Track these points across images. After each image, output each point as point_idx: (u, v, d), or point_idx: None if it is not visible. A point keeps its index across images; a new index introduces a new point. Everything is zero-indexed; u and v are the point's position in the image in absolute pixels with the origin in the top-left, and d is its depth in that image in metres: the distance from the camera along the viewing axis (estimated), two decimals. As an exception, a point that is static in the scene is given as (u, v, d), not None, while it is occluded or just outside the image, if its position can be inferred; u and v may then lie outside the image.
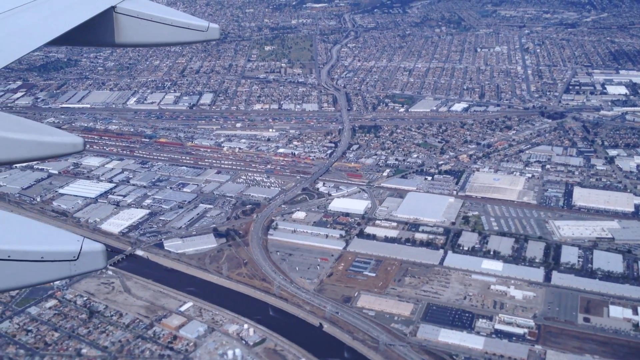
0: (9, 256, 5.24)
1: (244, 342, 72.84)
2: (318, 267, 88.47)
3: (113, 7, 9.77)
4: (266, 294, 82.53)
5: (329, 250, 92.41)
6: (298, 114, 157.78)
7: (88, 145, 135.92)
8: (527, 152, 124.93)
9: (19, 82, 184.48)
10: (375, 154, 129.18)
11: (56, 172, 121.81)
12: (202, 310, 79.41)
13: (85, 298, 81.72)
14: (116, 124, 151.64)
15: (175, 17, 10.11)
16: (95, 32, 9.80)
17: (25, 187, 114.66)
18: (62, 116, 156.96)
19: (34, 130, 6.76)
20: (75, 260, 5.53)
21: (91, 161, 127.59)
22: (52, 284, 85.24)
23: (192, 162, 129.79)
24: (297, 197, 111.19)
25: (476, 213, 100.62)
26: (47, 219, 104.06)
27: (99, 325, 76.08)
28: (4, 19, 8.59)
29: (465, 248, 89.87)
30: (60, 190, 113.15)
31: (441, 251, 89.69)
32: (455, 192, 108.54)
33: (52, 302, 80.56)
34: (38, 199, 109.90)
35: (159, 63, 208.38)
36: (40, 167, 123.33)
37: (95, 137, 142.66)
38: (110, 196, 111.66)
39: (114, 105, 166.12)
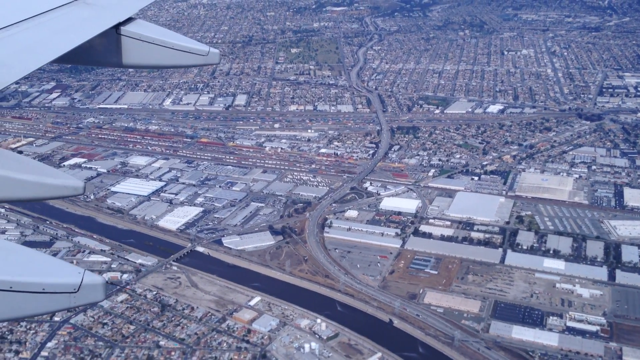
0: (10, 287, 5.22)
1: (317, 336, 74.00)
2: (378, 264, 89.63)
3: (116, 29, 9.87)
4: (331, 290, 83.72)
5: (386, 248, 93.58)
6: (334, 115, 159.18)
7: (132, 145, 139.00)
8: (570, 153, 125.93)
9: (53, 83, 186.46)
10: (418, 155, 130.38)
11: (105, 170, 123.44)
12: (271, 305, 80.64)
13: (154, 292, 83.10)
14: (156, 124, 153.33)
15: (177, 40, 10.10)
16: (97, 52, 9.86)
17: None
18: (101, 116, 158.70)
19: (37, 171, 6.76)
20: (75, 292, 5.44)
21: (137, 160, 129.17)
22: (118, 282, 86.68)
23: (235, 161, 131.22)
24: (347, 196, 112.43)
25: (529, 213, 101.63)
26: (104, 216, 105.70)
27: (172, 319, 77.42)
28: (9, 36, 8.57)
29: (524, 247, 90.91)
30: (113, 188, 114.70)
31: (500, 250, 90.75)
32: (504, 192, 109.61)
33: (123, 296, 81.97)
34: (92, 197, 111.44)
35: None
36: (89, 166, 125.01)
37: (138, 137, 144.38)
38: (162, 194, 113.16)
39: (150, 106, 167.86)
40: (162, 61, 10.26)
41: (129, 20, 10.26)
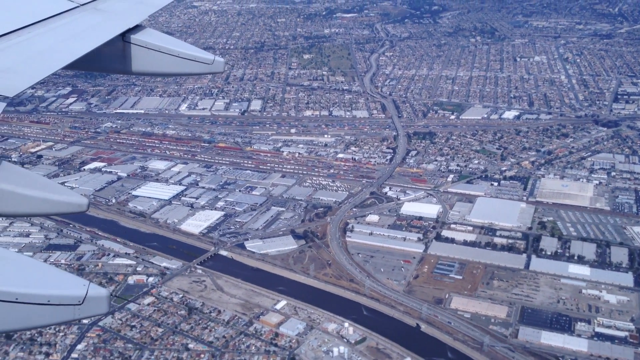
0: (16, 298, 5.22)
1: (345, 340, 74.13)
2: (402, 269, 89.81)
3: (122, 36, 9.87)
4: (356, 294, 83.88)
5: (409, 253, 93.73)
6: (349, 121, 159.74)
7: (150, 149, 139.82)
8: (589, 159, 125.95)
9: (69, 88, 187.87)
10: (435, 160, 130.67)
11: (125, 174, 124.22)
12: (297, 308, 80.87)
13: (180, 295, 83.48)
14: (173, 129, 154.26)
15: (182, 48, 10.12)
16: (103, 58, 9.88)
17: (98, 188, 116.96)
18: (119, 121, 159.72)
19: (42, 187, 6.75)
20: (80, 304, 5.45)
21: (157, 164, 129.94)
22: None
23: (253, 166, 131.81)
24: (366, 201, 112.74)
25: (551, 218, 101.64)
26: (127, 219, 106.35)
27: (200, 322, 77.73)
28: (20, 42, 8.59)
29: (548, 253, 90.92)
30: (134, 192, 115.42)
31: (524, 255, 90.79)
32: (524, 198, 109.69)
33: (149, 299, 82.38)
34: (113, 201, 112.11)
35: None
36: (109, 170, 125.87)
37: (156, 141, 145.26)
38: (183, 198, 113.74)
39: (166, 111, 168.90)
40: (168, 69, 10.25)
41: (135, 27, 10.27)
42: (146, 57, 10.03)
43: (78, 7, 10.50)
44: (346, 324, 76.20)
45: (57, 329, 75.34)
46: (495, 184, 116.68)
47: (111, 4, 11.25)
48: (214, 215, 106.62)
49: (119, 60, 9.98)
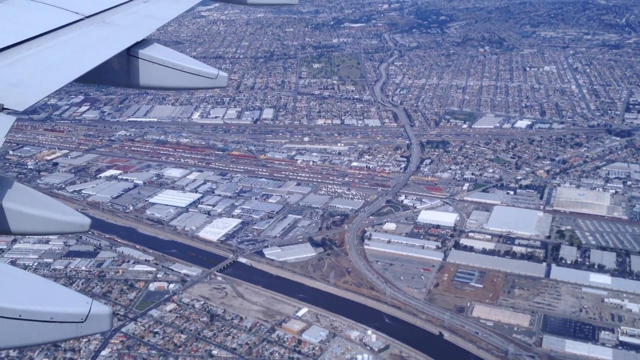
0: (20, 315, 5.22)
1: (368, 347, 74.08)
2: (422, 277, 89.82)
3: (127, 50, 9.88)
4: (377, 302, 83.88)
5: (428, 261, 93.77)
6: (362, 129, 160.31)
7: (165, 157, 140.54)
8: (604, 168, 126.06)
9: (82, 97, 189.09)
10: (450, 169, 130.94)
11: (141, 182, 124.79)
12: (319, 316, 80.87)
13: (202, 302, 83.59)
14: (186, 137, 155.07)
15: (187, 63, 10.11)
16: (107, 71, 9.87)
17: (115, 196, 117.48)
18: (132, 129, 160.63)
19: (47, 206, 6.85)
20: (82, 322, 5.43)
21: (172, 172, 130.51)
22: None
23: (267, 174, 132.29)
24: (383, 209, 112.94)
25: (569, 227, 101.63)
26: (145, 226, 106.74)
27: (222, 328, 77.78)
28: (29, 56, 8.64)
29: (568, 261, 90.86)
30: (151, 200, 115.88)
31: (544, 264, 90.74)
32: (541, 207, 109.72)
33: (171, 306, 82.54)
34: (131, 208, 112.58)
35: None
36: (125, 178, 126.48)
37: (170, 149, 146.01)
38: (199, 206, 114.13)
39: (179, 120, 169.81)
40: (172, 83, 10.24)
41: (140, 40, 10.28)
42: (151, 71, 10.04)
43: (84, 19, 10.55)
44: (369, 332, 76.17)
45: (80, 335, 75.44)
46: (511, 192, 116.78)
47: (119, 17, 11.25)
48: (231, 223, 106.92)
49: (123, 73, 10.00)
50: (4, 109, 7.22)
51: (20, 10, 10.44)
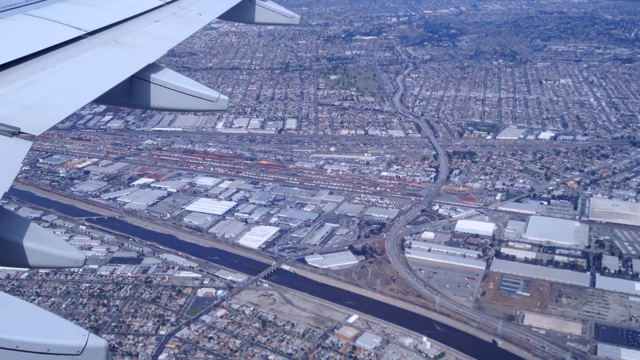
0: (17, 346, 5.13)
1: (423, 354, 74.36)
2: (467, 285, 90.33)
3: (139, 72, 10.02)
4: (426, 310, 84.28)
5: (471, 270, 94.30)
6: (386, 140, 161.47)
7: (194, 166, 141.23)
8: (634, 180, 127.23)
9: (104, 106, 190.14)
10: (480, 179, 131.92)
11: (174, 190, 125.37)
12: (369, 323, 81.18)
13: (251, 308, 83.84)
14: (213, 146, 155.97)
15: (188, 85, 10.26)
16: (117, 94, 9.80)
17: (151, 204, 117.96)
18: (158, 138, 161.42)
19: (44, 240, 6.75)
20: (78, 355, 5.37)
21: (204, 181, 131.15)
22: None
23: (298, 183, 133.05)
24: (418, 218, 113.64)
25: (607, 237, 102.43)
26: (184, 234, 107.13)
27: (275, 334, 78.03)
28: (44, 77, 8.60)
29: (612, 271, 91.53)
30: (187, 208, 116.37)
31: (587, 273, 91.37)
32: (576, 217, 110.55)
33: (221, 311, 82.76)
34: (168, 215, 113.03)
35: (232, 90, 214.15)
36: (158, 186, 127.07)
37: (199, 158, 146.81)
38: (236, 214, 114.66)
39: (203, 129, 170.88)
40: (174, 105, 10.40)
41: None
42: (160, 94, 10.14)
43: (86, 35, 10.49)
44: (424, 339, 76.48)
45: (135, 340, 75.73)
46: (545, 203, 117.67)
47: (131, 37, 11.23)
48: (269, 231, 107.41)
49: (125, 94, 10.03)
50: (20, 132, 7.08)
51: (19, 25, 10.26)
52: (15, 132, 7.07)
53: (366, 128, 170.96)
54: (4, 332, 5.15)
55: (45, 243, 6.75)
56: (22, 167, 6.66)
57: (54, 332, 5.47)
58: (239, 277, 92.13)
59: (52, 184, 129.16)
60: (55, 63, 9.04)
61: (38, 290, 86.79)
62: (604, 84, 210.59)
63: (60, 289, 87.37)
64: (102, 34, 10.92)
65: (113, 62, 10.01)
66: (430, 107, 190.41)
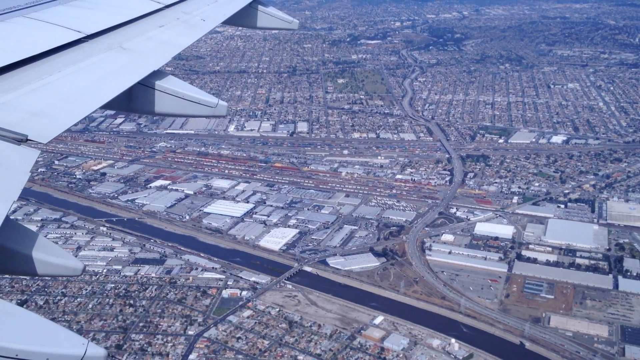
0: (16, 355, 5.09)
1: (452, 356, 74.57)
2: (491, 287, 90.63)
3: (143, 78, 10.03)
4: (451, 312, 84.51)
5: (493, 272, 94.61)
6: (398, 143, 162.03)
7: (209, 168, 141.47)
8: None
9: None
10: (495, 182, 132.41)
11: (191, 192, 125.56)
12: (396, 324, 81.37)
13: (277, 309, 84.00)
14: (226, 148, 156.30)
15: (190, 92, 10.31)
16: (121, 99, 9.77)
17: (169, 205, 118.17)
18: (172, 141, 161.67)
19: (42, 248, 6.70)
20: None
21: (220, 183, 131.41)
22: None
23: (313, 185, 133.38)
24: (437, 221, 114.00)
25: (627, 240, 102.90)
26: (205, 235, 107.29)
27: (303, 335, 78.17)
28: (50, 83, 8.52)
29: (634, 273, 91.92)
30: (205, 209, 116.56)
31: (610, 276, 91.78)
32: (594, 220, 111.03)
33: (247, 312, 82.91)
34: (187, 217, 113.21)
35: (241, 93, 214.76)
36: (175, 188, 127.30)
37: (213, 160, 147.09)
38: (254, 216, 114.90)
39: (215, 132, 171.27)
40: (174, 111, 10.39)
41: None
42: (164, 100, 10.18)
43: (86, 38, 10.43)
44: (452, 340, 76.69)
45: (164, 340, 75.84)
46: (562, 206, 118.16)
47: (137, 43, 11.19)
48: (289, 233, 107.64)
49: (125, 99, 9.97)
50: (28, 140, 6.97)
51: (19, 28, 10.20)
52: (23, 140, 6.95)
53: (377, 131, 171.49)
54: (4, 340, 5.09)
55: (46, 252, 6.69)
56: (30, 176, 6.56)
57: (53, 340, 5.43)
58: (262, 279, 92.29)
59: (70, 185, 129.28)
60: (61, 68, 8.98)
61: (64, 290, 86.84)
62: (611, 88, 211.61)
63: (86, 289, 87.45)
64: (106, 38, 10.87)
65: (119, 68, 9.98)
66: (440, 110, 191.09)
